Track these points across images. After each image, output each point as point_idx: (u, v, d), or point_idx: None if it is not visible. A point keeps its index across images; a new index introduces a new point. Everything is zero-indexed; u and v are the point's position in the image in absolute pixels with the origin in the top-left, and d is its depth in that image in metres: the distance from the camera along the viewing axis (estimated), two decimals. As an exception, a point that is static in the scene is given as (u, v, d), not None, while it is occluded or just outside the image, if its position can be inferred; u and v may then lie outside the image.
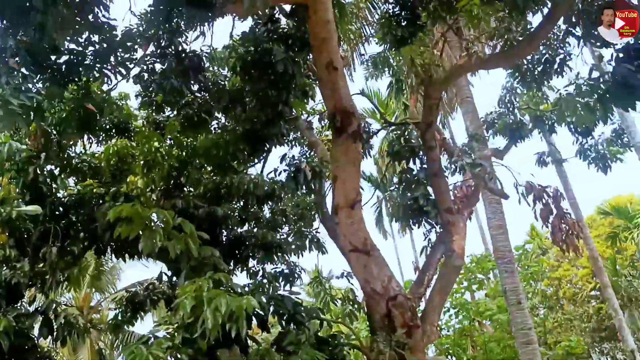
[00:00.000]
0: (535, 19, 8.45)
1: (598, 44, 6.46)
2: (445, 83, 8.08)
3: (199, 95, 9.93)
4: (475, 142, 11.80)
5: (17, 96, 6.46)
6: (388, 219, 32.14)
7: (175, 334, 5.65)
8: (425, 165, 8.62)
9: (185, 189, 10.34)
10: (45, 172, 8.50)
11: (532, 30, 7.86)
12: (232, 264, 10.33)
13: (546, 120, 11.67)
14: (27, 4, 6.47)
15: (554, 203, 9.07)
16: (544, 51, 8.50)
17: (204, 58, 9.08)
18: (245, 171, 10.53)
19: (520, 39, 8.61)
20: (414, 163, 9.04)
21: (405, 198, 8.54)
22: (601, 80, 6.40)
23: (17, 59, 7.00)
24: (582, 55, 8.22)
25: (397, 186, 9.96)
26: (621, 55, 6.20)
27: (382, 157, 24.81)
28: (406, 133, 9.25)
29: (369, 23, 14.89)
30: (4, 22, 6.50)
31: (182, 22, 8.45)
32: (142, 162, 9.40)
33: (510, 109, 11.60)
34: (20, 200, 7.75)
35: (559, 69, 8.47)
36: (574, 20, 6.72)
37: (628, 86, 6.03)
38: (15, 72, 7.00)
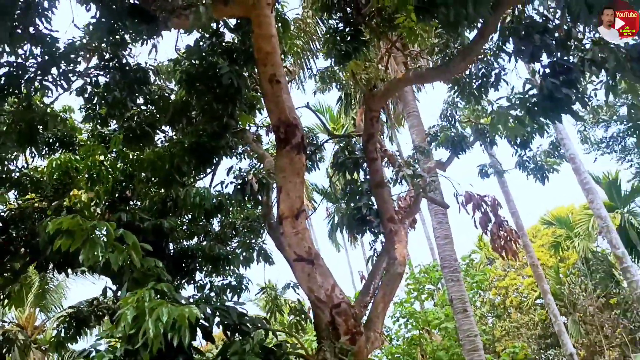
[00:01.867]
0: (472, 35, 8.88)
1: (526, 59, 6.83)
2: (385, 96, 8.34)
3: (144, 108, 9.91)
4: (419, 154, 12.20)
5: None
6: (338, 230, 32.46)
7: (118, 345, 5.60)
8: (368, 177, 8.83)
9: (131, 202, 10.25)
10: (-17, 187, 8.31)
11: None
12: (179, 277, 10.27)
13: (487, 133, 12.16)
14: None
15: (492, 211, 9.43)
16: (480, 66, 8.91)
17: (149, 71, 9.08)
18: (192, 184, 10.53)
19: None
20: (358, 174, 9.25)
21: (350, 208, 8.73)
22: (530, 93, 6.75)
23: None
24: (516, 70, 8.65)
25: (342, 197, 10.14)
26: (547, 70, 6.57)
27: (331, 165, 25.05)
28: (349, 145, 9.47)
29: (317, 38, 15.17)
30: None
31: (127, 35, 8.45)
32: (86, 175, 9.28)
33: (452, 122, 12.05)
34: (-44, 214, 7.56)
35: (495, 83, 8.88)
36: (503, 37, 7.08)
37: (554, 99, 6.39)
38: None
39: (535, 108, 6.69)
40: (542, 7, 6.56)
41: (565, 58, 6.66)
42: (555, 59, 6.59)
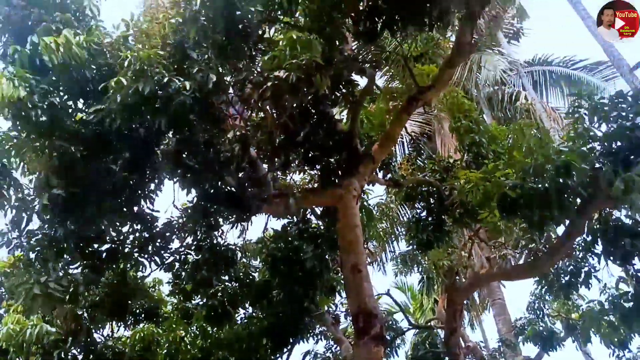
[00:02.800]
0: (560, 229, 8.72)
1: (617, 262, 6.58)
2: (469, 291, 8.19)
3: (228, 284, 10.17)
4: (505, 347, 11.51)
5: (59, 282, 6.88)
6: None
7: None
8: (450, 373, 8.38)
9: (206, 381, 10.13)
10: (69, 357, 8.55)
11: (555, 241, 8.10)
12: None
13: (579, 328, 11.38)
14: (82, 197, 7.10)
15: None
16: (568, 263, 8.62)
17: (237, 252, 9.48)
18: (268, 365, 10.34)
19: (545, 249, 8.83)
20: (439, 369, 8.81)
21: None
22: (625, 297, 6.41)
23: (63, 245, 7.55)
24: (608, 268, 8.28)
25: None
26: (640, 275, 6.29)
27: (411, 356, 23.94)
28: (431, 337, 9.14)
29: (398, 222, 15.44)
30: (57, 215, 7.08)
31: (220, 219, 9.02)
32: (165, 350, 9.40)
33: (540, 315, 11.43)
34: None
35: (584, 281, 8.48)
36: (592, 237, 6.92)
37: (651, 307, 6.03)
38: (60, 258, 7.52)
39: (630, 314, 6.30)
40: (632, 213, 6.45)
41: (661, 264, 6.38)
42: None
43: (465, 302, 11.01)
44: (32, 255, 7.60)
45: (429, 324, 13.18)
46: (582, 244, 8.31)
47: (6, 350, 8.24)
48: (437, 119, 16.24)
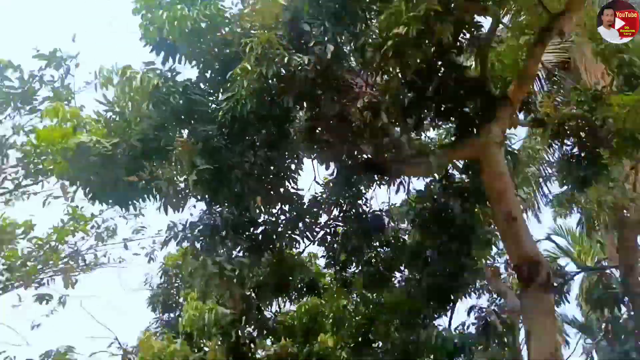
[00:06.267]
0: None
1: None
2: (640, 225, 7.49)
3: (380, 250, 10.26)
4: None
5: (229, 263, 7.42)
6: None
7: None
8: (632, 313, 7.77)
9: (373, 345, 10.36)
10: (245, 334, 9.18)
11: None
12: None
13: None
14: (227, 176, 7.43)
15: None
16: None
17: (383, 217, 9.52)
18: (433, 324, 10.32)
19: None
20: (619, 311, 8.19)
21: (614, 351, 7.68)
22: None
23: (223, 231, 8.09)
24: None
25: (603, 335, 9.03)
26: None
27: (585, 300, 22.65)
28: (605, 277, 8.54)
29: (548, 163, 14.51)
30: (214, 206, 7.55)
31: (362, 187, 9.09)
32: (330, 320, 9.76)
33: None
34: (224, 362, 8.38)
35: None
36: None
37: None
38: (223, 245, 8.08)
39: None
40: None
41: None
42: None
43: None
44: (197, 245, 8.26)
45: (598, 265, 12.34)
46: None
47: (191, 334, 9.02)
48: (578, 45, 14.89)
